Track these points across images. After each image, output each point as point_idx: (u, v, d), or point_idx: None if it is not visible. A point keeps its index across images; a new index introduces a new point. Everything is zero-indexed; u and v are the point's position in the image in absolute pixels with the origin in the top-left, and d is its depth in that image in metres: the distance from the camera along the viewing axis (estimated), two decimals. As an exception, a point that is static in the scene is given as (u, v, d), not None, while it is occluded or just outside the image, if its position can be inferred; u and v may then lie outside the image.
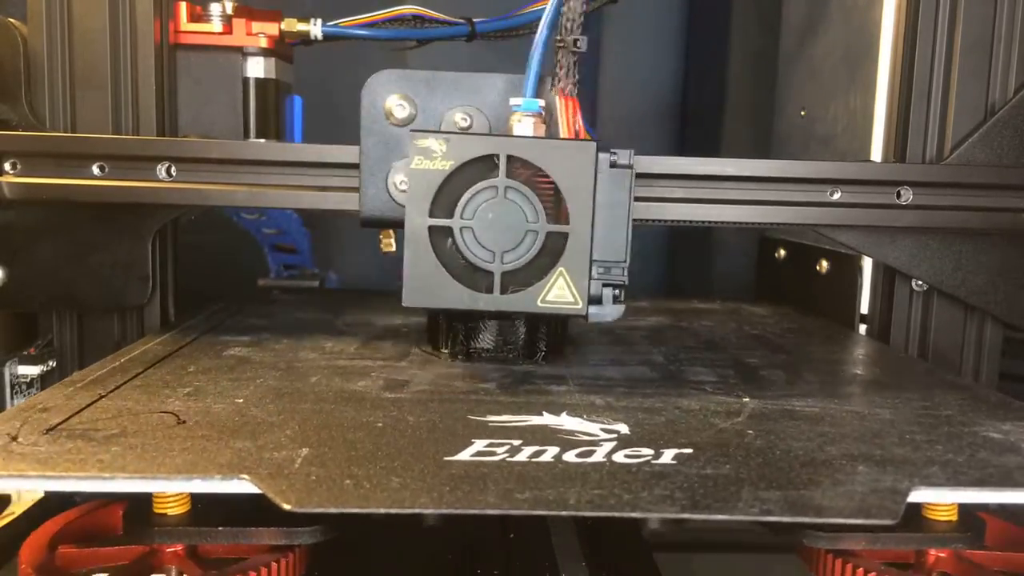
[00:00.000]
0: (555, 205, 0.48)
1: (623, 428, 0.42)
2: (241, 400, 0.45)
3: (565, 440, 0.40)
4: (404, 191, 0.54)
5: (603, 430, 0.42)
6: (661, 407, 0.46)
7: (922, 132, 0.64)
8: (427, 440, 0.40)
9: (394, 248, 0.58)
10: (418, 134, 0.48)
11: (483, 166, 0.48)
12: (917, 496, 0.36)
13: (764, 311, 0.81)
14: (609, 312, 0.50)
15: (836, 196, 0.60)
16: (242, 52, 0.63)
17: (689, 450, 0.39)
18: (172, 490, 0.39)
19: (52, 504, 0.49)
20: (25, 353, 0.63)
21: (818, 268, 0.80)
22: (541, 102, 0.51)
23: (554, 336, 0.58)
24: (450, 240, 0.48)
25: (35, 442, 0.37)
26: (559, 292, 0.48)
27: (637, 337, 0.66)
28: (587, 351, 0.61)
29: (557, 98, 0.51)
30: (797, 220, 0.61)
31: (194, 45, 0.63)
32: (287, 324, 0.67)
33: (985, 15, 0.63)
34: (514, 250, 0.48)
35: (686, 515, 0.33)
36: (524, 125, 0.51)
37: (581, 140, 0.50)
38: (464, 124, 0.55)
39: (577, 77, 0.52)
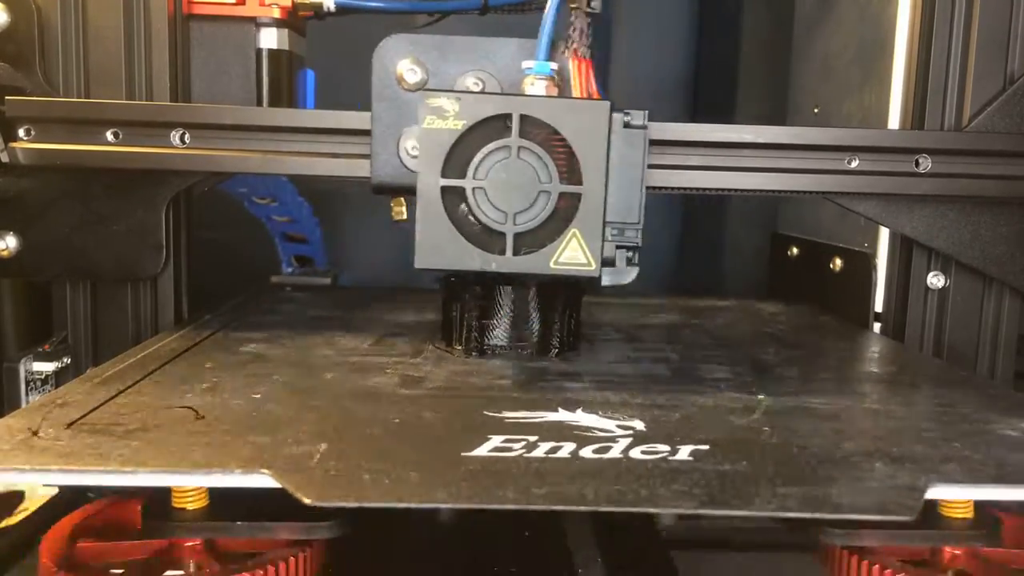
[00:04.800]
0: (569, 167, 0.48)
1: (639, 424, 0.42)
2: (258, 396, 0.45)
3: (581, 436, 0.40)
4: (416, 156, 0.54)
5: (619, 426, 0.42)
6: (676, 404, 0.46)
7: (940, 100, 0.63)
8: (444, 436, 0.40)
9: (405, 216, 0.57)
10: (430, 93, 0.47)
11: (496, 126, 0.47)
12: (934, 493, 0.36)
13: (777, 309, 0.81)
14: (623, 274, 0.50)
15: (854, 164, 0.60)
16: (255, 23, 0.63)
17: (705, 447, 0.39)
18: (193, 484, 0.39)
19: (66, 500, 0.49)
20: (40, 350, 0.63)
21: (832, 266, 0.79)
22: (554, 65, 0.51)
23: (568, 332, 0.58)
24: (462, 202, 0.48)
25: (56, 436, 0.38)
26: (572, 254, 0.48)
27: (651, 335, 0.66)
28: (601, 348, 0.61)
29: (570, 60, 0.51)
30: (814, 187, 0.60)
31: (207, 15, 0.63)
32: (301, 321, 0.68)
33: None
34: (527, 211, 0.48)
35: (704, 511, 0.33)
36: (537, 88, 0.50)
37: (595, 100, 0.50)
38: (476, 89, 0.54)
39: (591, 39, 0.51)
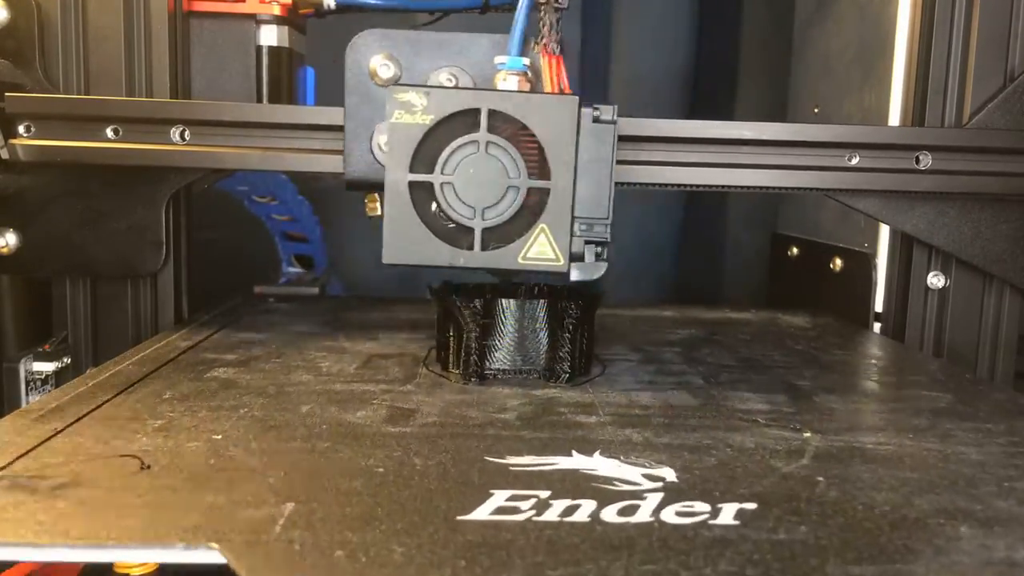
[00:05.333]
0: (538, 162, 0.47)
1: (669, 474, 0.36)
2: (219, 436, 0.39)
3: (601, 490, 0.34)
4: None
5: (645, 476, 0.35)
6: (709, 444, 0.40)
7: (941, 97, 0.63)
8: (437, 491, 0.33)
9: (379, 212, 0.56)
10: (398, 88, 0.47)
11: (465, 122, 0.47)
12: (1040, 569, 0.29)
13: (803, 322, 0.74)
14: (592, 270, 0.49)
15: (854, 161, 0.59)
16: (255, 20, 0.62)
17: (752, 504, 0.33)
18: (125, 559, 0.32)
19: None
20: (40, 350, 0.62)
21: (832, 266, 0.78)
22: (526, 60, 0.50)
23: (579, 354, 0.52)
24: (430, 197, 0.47)
25: (-34, 494, 0.31)
26: (540, 249, 0.48)
27: (670, 354, 0.60)
28: (615, 371, 0.54)
29: (541, 56, 0.50)
30: (814, 185, 0.60)
31: (207, 12, 0.62)
32: (281, 338, 0.61)
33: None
34: (495, 206, 0.47)
35: (763, 602, 0.26)
36: (509, 83, 0.50)
37: (564, 94, 0.49)
38: (449, 84, 0.54)
39: (560, 35, 0.51)
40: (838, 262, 0.77)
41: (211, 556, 0.28)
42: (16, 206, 0.60)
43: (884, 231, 0.69)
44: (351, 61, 0.55)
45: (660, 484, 0.35)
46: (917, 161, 0.60)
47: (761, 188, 0.59)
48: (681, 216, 1.10)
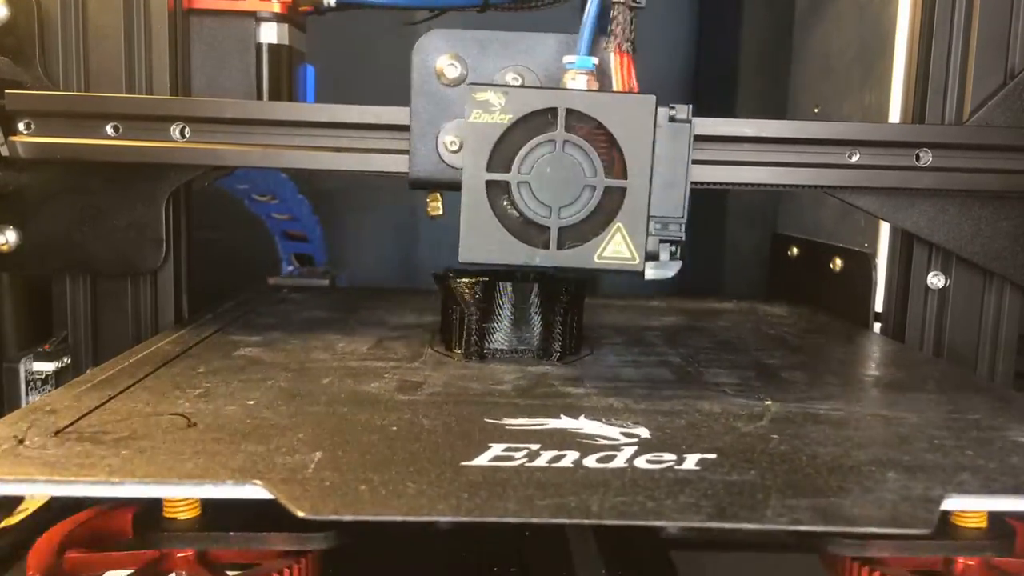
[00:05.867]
0: (613, 161, 0.47)
1: (643, 432, 0.41)
2: (252, 402, 0.44)
3: (584, 444, 0.39)
4: (455, 151, 0.54)
5: (623, 434, 0.41)
6: (681, 410, 0.45)
7: (941, 95, 0.63)
8: (443, 444, 0.39)
9: (442, 211, 0.58)
10: (477, 87, 0.47)
11: (540, 121, 0.47)
12: (950, 504, 0.35)
13: (781, 311, 0.80)
14: (666, 268, 0.50)
15: (854, 158, 0.60)
16: (255, 17, 0.62)
17: (713, 455, 0.38)
18: (183, 495, 0.38)
19: (61, 504, 0.48)
20: (40, 350, 0.63)
21: (832, 266, 0.79)
22: (595, 59, 0.50)
23: (570, 336, 0.57)
24: (506, 196, 0.47)
25: (43, 445, 0.37)
26: (616, 248, 0.48)
27: (653, 338, 0.65)
28: (603, 352, 0.60)
29: (612, 55, 0.51)
30: (814, 182, 0.60)
31: (207, 9, 0.62)
32: (298, 324, 0.66)
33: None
34: (571, 205, 0.47)
35: (713, 524, 0.32)
36: (578, 83, 0.50)
37: (641, 94, 0.49)
38: (516, 84, 0.54)
39: (633, 34, 0.51)
40: (838, 262, 0.78)
41: (256, 492, 0.33)
42: (16, 203, 0.60)
43: (884, 231, 0.70)
44: (418, 61, 0.55)
45: (635, 440, 0.40)
46: (917, 158, 0.60)
47: (761, 185, 0.60)
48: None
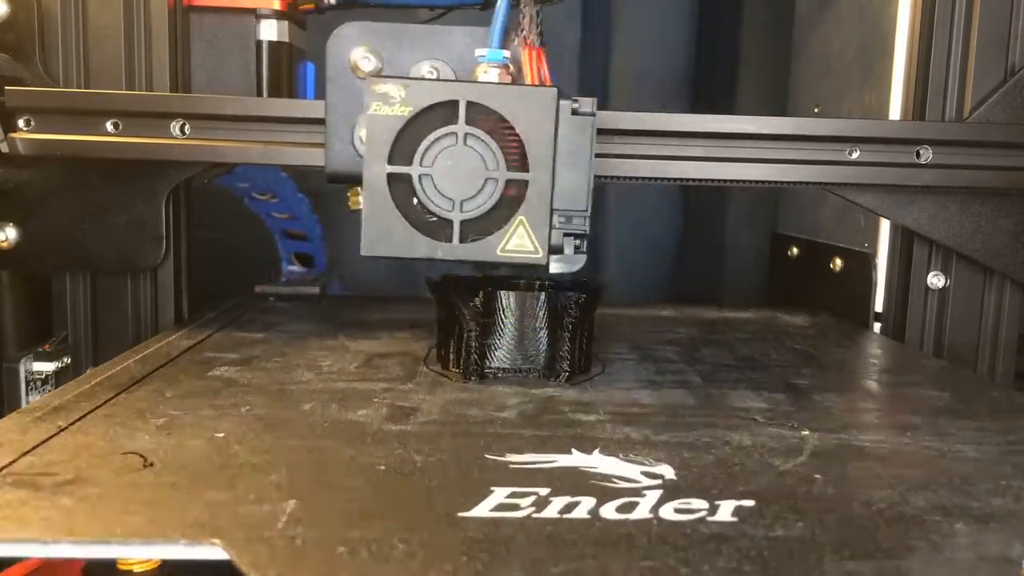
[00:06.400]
0: (517, 155, 0.47)
1: (667, 471, 0.36)
2: (221, 434, 0.39)
3: (601, 488, 0.34)
4: None
5: (644, 474, 0.36)
6: (708, 442, 0.40)
7: (941, 93, 0.63)
8: (437, 488, 0.33)
9: (361, 205, 0.55)
10: (376, 79, 0.47)
11: (444, 113, 0.47)
12: (1034, 565, 0.29)
13: (801, 321, 0.75)
14: (571, 262, 0.50)
15: (855, 155, 0.60)
16: (255, 15, 0.62)
17: (750, 502, 0.33)
18: (129, 556, 0.33)
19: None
20: (40, 350, 0.62)
21: (832, 266, 0.78)
22: (506, 53, 0.51)
23: (579, 353, 0.52)
24: (409, 189, 0.47)
25: (-29, 491, 0.31)
26: (519, 241, 0.48)
27: (669, 353, 0.60)
28: (615, 370, 0.54)
29: (521, 48, 0.51)
30: (815, 179, 0.60)
31: (207, 7, 0.62)
32: (282, 338, 0.61)
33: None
34: (474, 198, 0.47)
35: (760, 597, 0.26)
36: (490, 76, 0.50)
37: (542, 86, 0.50)
38: (431, 77, 0.54)
39: (541, 28, 0.51)
40: (838, 262, 0.77)
41: (214, 552, 0.28)
42: (16, 200, 0.60)
43: (884, 231, 0.69)
44: (332, 53, 0.55)
45: (659, 482, 0.35)
46: (917, 155, 0.60)
47: (761, 182, 0.60)
48: (680, 216, 1.10)
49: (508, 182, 0.47)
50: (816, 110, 0.88)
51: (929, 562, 0.29)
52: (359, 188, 0.55)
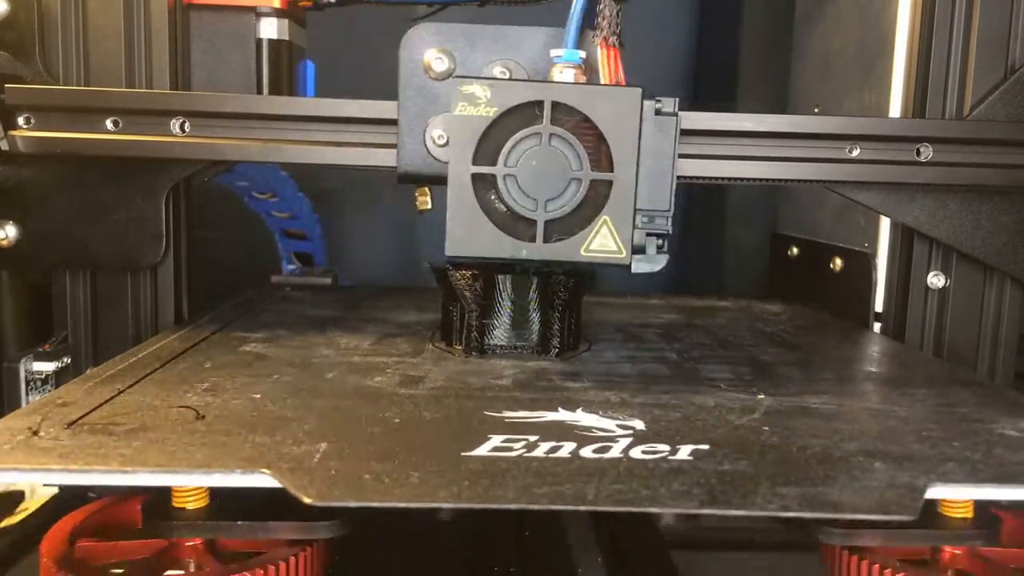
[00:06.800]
0: (599, 154, 0.48)
1: (639, 424, 0.42)
2: (258, 396, 0.45)
3: (581, 436, 0.40)
4: (442, 145, 0.55)
5: (619, 426, 0.42)
6: (676, 403, 0.46)
7: (941, 90, 0.63)
8: (444, 436, 0.40)
9: (430, 206, 0.58)
10: (462, 80, 0.47)
11: (527, 114, 0.47)
12: (934, 492, 0.36)
13: (777, 308, 0.81)
14: (653, 262, 0.50)
15: (855, 153, 0.60)
16: (255, 13, 0.62)
17: (705, 446, 0.39)
18: (193, 484, 0.39)
19: (66, 500, 0.49)
20: (40, 350, 0.63)
21: (832, 266, 0.79)
22: (582, 53, 0.51)
23: (568, 332, 0.58)
24: (492, 189, 0.48)
25: (56, 436, 0.38)
26: (602, 241, 0.48)
27: (651, 335, 0.66)
28: (601, 348, 0.61)
29: (599, 48, 0.51)
30: (815, 177, 0.60)
31: (207, 4, 0.62)
32: (301, 321, 0.68)
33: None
34: (558, 198, 0.47)
35: (705, 511, 0.33)
36: (565, 76, 0.50)
37: (626, 87, 0.50)
38: (503, 78, 0.54)
39: (620, 27, 0.51)
40: (838, 262, 0.78)
41: (263, 480, 0.35)
42: (15, 198, 0.60)
43: (884, 231, 0.70)
44: (405, 55, 0.55)
45: (630, 431, 0.41)
46: (918, 153, 0.60)
47: (761, 180, 0.60)
48: (680, 216, 1.12)
49: (592, 182, 0.47)
50: (816, 110, 0.88)
51: (845, 488, 0.35)
52: (426, 188, 0.57)
